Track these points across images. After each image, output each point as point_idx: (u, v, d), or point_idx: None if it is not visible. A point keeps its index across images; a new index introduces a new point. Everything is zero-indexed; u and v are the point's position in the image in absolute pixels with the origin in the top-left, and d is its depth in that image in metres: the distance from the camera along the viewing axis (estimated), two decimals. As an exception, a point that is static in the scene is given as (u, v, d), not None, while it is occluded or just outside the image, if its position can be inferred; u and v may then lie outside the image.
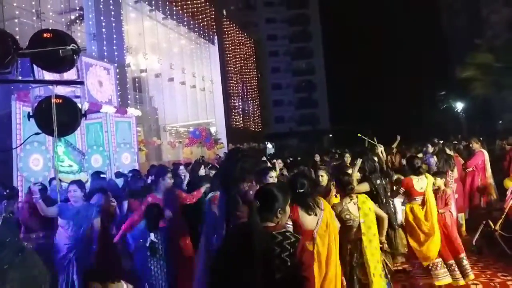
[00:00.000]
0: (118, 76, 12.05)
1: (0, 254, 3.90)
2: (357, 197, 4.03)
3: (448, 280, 4.84)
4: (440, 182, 5.40)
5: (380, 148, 7.01)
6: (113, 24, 14.60)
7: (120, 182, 7.47)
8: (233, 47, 30.98)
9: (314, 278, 2.31)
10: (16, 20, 12.03)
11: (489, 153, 8.45)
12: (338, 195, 4.40)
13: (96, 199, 5.19)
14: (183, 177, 6.69)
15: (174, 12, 20.83)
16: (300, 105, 54.82)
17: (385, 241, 4.25)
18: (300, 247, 2.18)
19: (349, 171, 4.98)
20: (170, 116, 20.51)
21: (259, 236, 2.13)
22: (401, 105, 48.63)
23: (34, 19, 12.64)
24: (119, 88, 11.98)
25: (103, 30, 13.94)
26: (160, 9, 19.41)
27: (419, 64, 51.27)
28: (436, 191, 5.25)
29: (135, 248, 4.90)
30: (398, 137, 9.25)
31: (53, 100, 3.18)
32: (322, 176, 5.04)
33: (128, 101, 14.88)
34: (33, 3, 12.76)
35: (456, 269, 4.85)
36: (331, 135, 51.25)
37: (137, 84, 18.35)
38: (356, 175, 4.72)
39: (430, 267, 4.84)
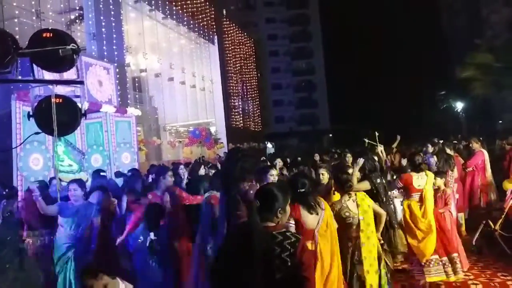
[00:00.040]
0: (118, 76, 12.05)
1: (1, 253, 3.91)
2: (356, 194, 4.06)
3: (439, 277, 4.88)
4: (440, 182, 5.41)
5: (380, 148, 7.02)
6: (113, 24, 14.60)
7: (120, 181, 7.47)
8: (233, 47, 30.98)
9: (314, 278, 2.31)
10: (16, 20, 12.03)
11: (489, 153, 8.44)
12: (337, 193, 4.41)
13: (96, 197, 5.20)
14: (182, 176, 6.69)
15: (174, 12, 20.82)
16: (300, 105, 54.82)
17: (381, 238, 4.27)
18: (301, 247, 2.18)
19: (350, 170, 5.00)
20: (170, 115, 20.51)
21: (259, 236, 2.13)
22: (401, 105, 48.65)
23: (34, 19, 12.64)
24: (119, 87, 11.98)
25: (103, 29, 13.94)
26: (160, 9, 19.40)
27: (419, 64, 51.30)
28: (436, 191, 5.26)
29: (134, 248, 4.90)
30: (398, 137, 9.27)
31: (53, 100, 3.18)
32: (322, 174, 5.06)
33: (128, 101, 14.88)
34: (33, 2, 12.76)
35: (449, 265, 4.89)
36: (331, 135, 51.24)
37: (137, 84, 18.35)
38: (357, 174, 4.75)
39: (424, 264, 4.89)
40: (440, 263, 4.86)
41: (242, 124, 31.63)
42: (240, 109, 31.69)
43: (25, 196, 5.49)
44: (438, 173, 5.61)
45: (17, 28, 11.50)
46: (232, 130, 27.61)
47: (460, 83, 29.01)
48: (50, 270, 4.91)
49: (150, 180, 6.95)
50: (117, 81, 11.66)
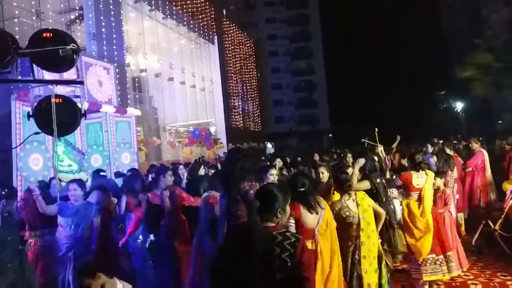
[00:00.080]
0: (117, 76, 12.05)
1: (1, 254, 3.92)
2: (355, 194, 4.07)
3: (436, 276, 4.91)
4: (439, 182, 5.42)
5: (380, 148, 7.02)
6: (113, 24, 14.60)
7: (119, 182, 7.47)
8: (233, 47, 30.97)
9: (314, 278, 2.31)
10: (15, 20, 12.03)
11: (489, 153, 8.45)
12: (336, 193, 4.43)
13: (95, 196, 5.20)
14: (182, 176, 6.70)
15: (174, 12, 20.82)
16: (300, 105, 54.84)
17: (379, 237, 4.29)
18: (300, 247, 2.18)
19: (350, 169, 5.03)
20: (170, 116, 20.51)
21: (259, 236, 2.13)
22: (401, 105, 48.66)
23: (33, 19, 12.64)
24: (118, 87, 11.98)
25: (103, 29, 13.94)
26: (160, 9, 19.40)
27: (419, 64, 51.30)
28: (435, 191, 5.27)
29: (134, 248, 4.90)
30: (398, 137, 9.27)
31: (53, 100, 3.18)
32: (322, 173, 5.13)
33: (128, 101, 14.88)
34: (33, 3, 12.76)
35: (444, 264, 4.92)
36: (331, 135, 51.25)
37: (136, 84, 18.35)
38: (357, 173, 4.77)
39: (421, 263, 4.92)
40: (437, 262, 4.89)
41: (242, 124, 31.63)
42: (240, 109, 31.69)
43: (25, 196, 5.49)
44: (438, 173, 5.61)
45: (17, 28, 11.49)
46: (232, 130, 27.61)
47: (460, 83, 29.01)
48: (50, 270, 4.92)
49: (149, 179, 6.96)
50: (117, 81, 11.66)
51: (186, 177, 7.39)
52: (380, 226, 4.23)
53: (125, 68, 15.47)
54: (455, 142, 13.40)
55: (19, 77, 3.19)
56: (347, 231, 3.94)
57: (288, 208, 2.42)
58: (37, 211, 4.81)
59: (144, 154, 15.76)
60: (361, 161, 4.80)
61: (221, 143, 22.30)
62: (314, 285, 2.22)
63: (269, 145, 34.26)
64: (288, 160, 11.27)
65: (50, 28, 3.26)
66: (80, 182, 5.00)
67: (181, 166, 8.14)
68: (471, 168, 7.90)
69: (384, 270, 4.00)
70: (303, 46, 55.50)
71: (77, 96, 4.40)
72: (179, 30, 22.12)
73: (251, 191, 3.32)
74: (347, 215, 3.95)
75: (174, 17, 20.89)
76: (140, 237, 4.65)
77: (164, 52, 20.07)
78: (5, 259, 4.01)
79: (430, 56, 50.61)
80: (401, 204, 5.57)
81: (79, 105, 3.50)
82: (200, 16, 24.48)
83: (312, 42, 55.70)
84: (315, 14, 55.47)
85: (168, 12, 20.14)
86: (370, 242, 3.92)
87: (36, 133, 3.58)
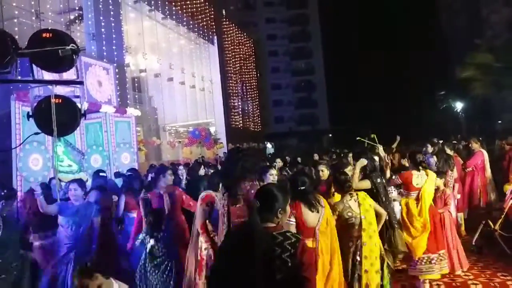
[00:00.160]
0: (117, 76, 12.05)
1: (5, 254, 3.93)
2: (357, 194, 4.08)
3: (431, 275, 4.96)
4: (439, 182, 5.44)
5: (380, 148, 7.02)
6: (113, 24, 14.59)
7: (119, 182, 7.47)
8: (232, 47, 30.97)
9: (315, 278, 2.31)
10: (15, 20, 12.01)
11: (489, 153, 8.45)
12: (337, 194, 4.44)
13: (93, 196, 5.19)
14: (181, 177, 6.69)
15: (174, 12, 20.82)
16: (300, 105, 54.82)
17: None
18: (301, 247, 2.18)
19: (349, 168, 5.10)
20: (170, 116, 20.51)
21: (259, 236, 2.13)
22: (401, 105, 48.66)
23: (33, 19, 12.62)
24: (118, 88, 11.97)
25: (103, 30, 13.93)
26: (160, 9, 19.40)
27: (419, 64, 51.27)
28: (435, 191, 5.28)
29: (133, 248, 4.90)
30: (398, 137, 9.28)
31: (53, 100, 3.18)
32: (322, 171, 5.25)
33: (128, 101, 14.87)
34: (32, 3, 12.74)
35: (437, 263, 4.97)
36: (330, 135, 51.24)
37: (136, 84, 18.34)
38: (358, 173, 4.80)
39: (417, 262, 4.98)
40: (432, 261, 4.95)
41: (241, 124, 31.62)
42: (240, 109, 31.68)
43: (27, 197, 5.49)
44: (438, 173, 5.63)
45: (16, 28, 11.47)
46: (232, 130, 27.61)
47: (460, 83, 29.01)
48: (52, 271, 4.91)
49: (149, 179, 6.96)
50: (117, 81, 11.66)
51: (186, 177, 7.39)
52: (380, 227, 4.23)
53: (125, 68, 15.47)
54: (455, 142, 13.39)
55: (19, 77, 3.19)
56: (348, 231, 3.94)
57: (288, 208, 2.42)
58: (38, 212, 4.81)
59: (144, 154, 15.76)
60: (364, 161, 4.83)
61: (221, 143, 22.30)
62: (315, 285, 2.21)
63: (269, 145, 34.28)
64: (288, 160, 11.27)
65: (49, 28, 3.26)
66: (81, 182, 5.00)
67: (181, 167, 8.14)
68: (471, 168, 7.90)
69: (386, 271, 4.00)
70: (302, 46, 55.49)
71: (77, 96, 4.38)
72: (178, 30, 22.12)
73: (252, 191, 3.32)
74: (349, 216, 3.94)
75: (174, 17, 20.88)
76: (140, 236, 4.64)
77: (164, 52, 20.07)
78: (8, 259, 4.03)
79: (430, 56, 50.58)
80: (400, 204, 5.59)
81: (79, 105, 3.50)
82: (200, 16, 24.47)
83: (311, 42, 55.69)
84: (315, 14, 55.44)
85: (167, 12, 20.14)
86: (372, 242, 3.92)
87: (36, 133, 3.58)
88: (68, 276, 4.55)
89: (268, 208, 2.28)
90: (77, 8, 14.34)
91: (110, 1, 14.50)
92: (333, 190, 4.72)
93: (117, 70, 12.14)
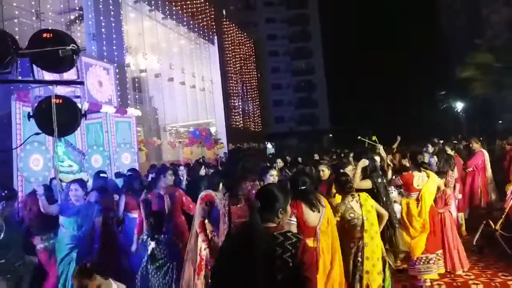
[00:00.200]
0: (117, 76, 12.04)
1: (7, 255, 3.94)
2: (358, 195, 4.07)
3: (430, 275, 5.00)
4: (440, 182, 5.44)
5: (381, 148, 7.02)
6: (113, 24, 14.58)
7: (120, 182, 7.47)
8: (232, 47, 30.96)
9: (316, 278, 2.30)
10: (15, 20, 12.01)
11: (489, 153, 8.44)
12: (338, 195, 4.44)
13: (93, 197, 5.19)
14: (182, 177, 6.69)
15: (174, 12, 20.81)
16: (300, 105, 54.82)
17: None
18: (302, 247, 2.17)
19: (350, 167, 5.11)
20: (170, 116, 20.50)
21: (260, 237, 2.12)
22: (401, 105, 48.65)
23: (33, 19, 12.62)
24: (119, 88, 11.97)
25: (103, 30, 13.92)
26: (160, 9, 19.39)
27: (419, 64, 51.28)
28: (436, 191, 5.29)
29: (137, 248, 4.89)
30: (398, 138, 9.28)
31: (53, 100, 3.18)
32: (323, 170, 5.28)
33: (128, 101, 14.86)
34: (33, 3, 12.74)
35: (434, 263, 5.00)
36: (331, 135, 51.26)
37: (136, 84, 18.33)
38: (359, 173, 4.81)
39: (416, 261, 5.01)
40: (431, 261, 4.98)
41: (242, 124, 31.61)
42: (240, 109, 31.67)
43: (28, 198, 5.49)
44: (439, 173, 5.65)
45: (17, 29, 11.47)
46: (232, 130, 27.60)
47: (460, 83, 29.01)
48: (55, 271, 4.91)
49: (149, 179, 6.96)
50: (117, 82, 11.65)
51: (186, 177, 7.40)
52: (381, 228, 4.23)
53: (125, 68, 15.46)
54: (456, 142, 13.40)
55: (19, 78, 3.18)
56: (350, 232, 3.92)
57: (289, 208, 2.42)
58: (40, 212, 4.80)
59: (145, 154, 15.76)
60: (365, 161, 4.84)
61: (222, 143, 22.28)
62: (316, 285, 2.21)
63: (269, 145, 34.31)
64: (289, 160, 11.27)
65: (50, 28, 3.26)
66: (81, 182, 5.00)
67: (181, 167, 8.14)
68: (471, 168, 7.90)
69: (387, 272, 3.99)
70: (302, 46, 55.48)
71: (77, 97, 4.38)
72: (179, 30, 22.11)
73: (253, 191, 3.32)
74: (352, 217, 3.92)
75: (174, 17, 20.87)
76: (141, 237, 4.64)
77: (164, 53, 20.06)
78: (11, 259, 4.04)
79: (430, 56, 50.62)
80: (400, 205, 5.60)
81: (79, 105, 3.50)
82: (200, 17, 24.46)
83: (311, 42, 55.68)
84: (315, 14, 55.45)
85: (168, 12, 20.13)
86: (374, 243, 3.91)
87: (37, 134, 3.58)
88: (70, 276, 4.55)
89: (268, 208, 2.28)
90: (77, 8, 14.34)
91: (110, 1, 14.49)
92: (334, 190, 4.72)
93: (117, 70, 12.14)
